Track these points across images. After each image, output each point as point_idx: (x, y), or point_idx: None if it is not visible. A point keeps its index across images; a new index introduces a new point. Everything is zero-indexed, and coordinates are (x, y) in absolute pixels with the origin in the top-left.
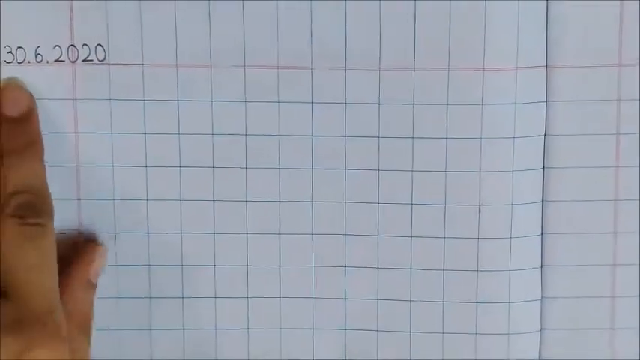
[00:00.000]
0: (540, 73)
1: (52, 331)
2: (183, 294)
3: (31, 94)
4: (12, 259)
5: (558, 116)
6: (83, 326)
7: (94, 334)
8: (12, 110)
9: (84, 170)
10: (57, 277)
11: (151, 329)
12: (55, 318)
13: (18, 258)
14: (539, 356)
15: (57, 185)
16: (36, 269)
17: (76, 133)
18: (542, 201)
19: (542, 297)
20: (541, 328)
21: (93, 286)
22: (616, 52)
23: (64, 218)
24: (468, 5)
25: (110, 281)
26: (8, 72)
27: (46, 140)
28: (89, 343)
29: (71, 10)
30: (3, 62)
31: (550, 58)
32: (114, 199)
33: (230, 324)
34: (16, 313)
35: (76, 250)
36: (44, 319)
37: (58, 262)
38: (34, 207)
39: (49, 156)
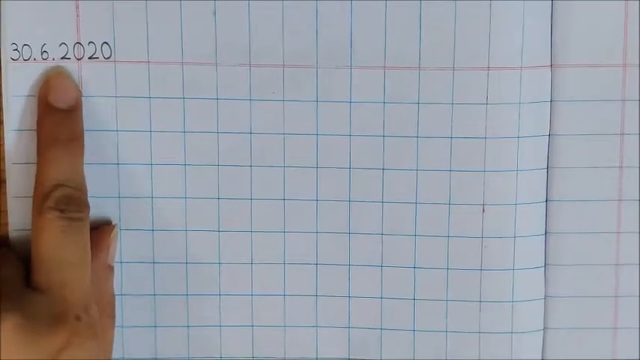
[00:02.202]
0: (545, 73)
1: (87, 327)
2: (187, 291)
3: (78, 87)
4: (53, 253)
5: (563, 116)
6: (108, 310)
7: None
8: (60, 102)
9: (90, 167)
10: (89, 275)
11: (155, 327)
12: (90, 314)
13: (60, 252)
14: (543, 355)
15: None
16: (74, 266)
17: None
18: (546, 200)
19: (545, 296)
20: (544, 328)
21: (112, 270)
22: (620, 52)
23: None
24: (473, 5)
25: (115, 279)
26: (14, 70)
27: None
28: (114, 326)
29: (77, 7)
30: (9, 60)
31: (555, 58)
32: (119, 197)
33: (234, 322)
34: (53, 308)
35: (92, 237)
36: (80, 315)
37: None
38: (75, 200)
39: None
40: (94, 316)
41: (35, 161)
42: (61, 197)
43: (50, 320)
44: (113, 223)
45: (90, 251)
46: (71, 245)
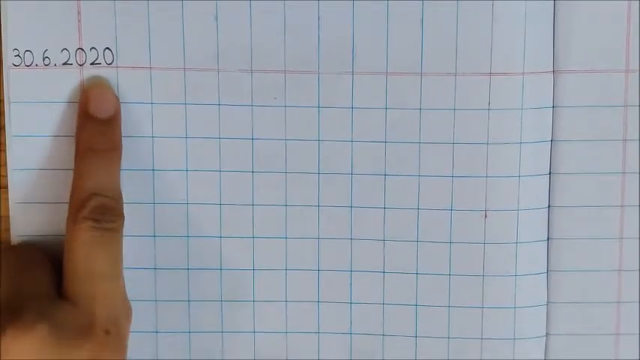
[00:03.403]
0: (547, 78)
1: (116, 342)
2: (189, 297)
3: (117, 98)
4: (86, 264)
5: (565, 122)
6: (126, 313)
7: None
8: (100, 112)
9: None
10: (124, 285)
11: (157, 332)
12: (119, 328)
13: (92, 264)
14: None
15: (63, 189)
16: (106, 277)
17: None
18: (549, 206)
19: (547, 302)
20: (547, 334)
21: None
22: (623, 58)
23: None
24: (475, 11)
25: None
26: (16, 75)
27: (54, 143)
28: (129, 328)
29: (79, 13)
30: (11, 65)
31: (557, 64)
32: None
33: (236, 327)
34: (81, 320)
35: None
36: (109, 329)
37: None
38: (110, 210)
39: (56, 160)
40: (124, 330)
41: (37, 167)
42: (97, 206)
43: (78, 333)
44: None
45: (122, 263)
46: (103, 256)
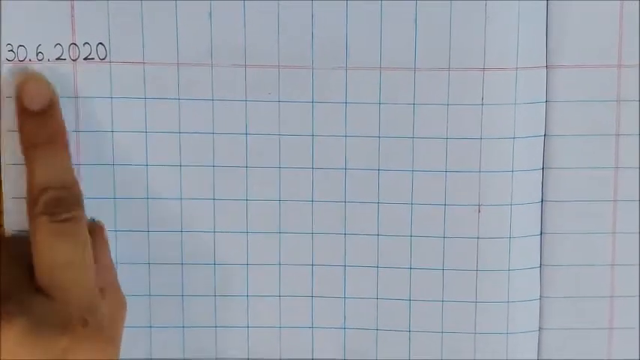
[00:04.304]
0: (540, 73)
1: (94, 330)
2: (183, 292)
3: (51, 87)
4: (47, 258)
5: (558, 117)
6: (121, 306)
7: None
8: (33, 104)
9: (85, 168)
10: (94, 271)
11: (150, 327)
12: (97, 316)
13: (52, 256)
14: (538, 356)
15: None
16: (73, 266)
17: (77, 131)
18: (542, 201)
19: (541, 297)
20: (540, 328)
21: (113, 266)
22: (616, 53)
23: None
24: (469, 6)
25: None
26: (9, 70)
27: None
28: (123, 320)
29: (72, 8)
30: (4, 60)
31: (550, 59)
32: (115, 197)
33: (230, 322)
34: (58, 312)
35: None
36: (86, 318)
37: None
38: (63, 201)
39: None
40: (102, 317)
41: None
42: (49, 201)
43: (56, 324)
44: (97, 221)
45: (90, 249)
46: (66, 247)
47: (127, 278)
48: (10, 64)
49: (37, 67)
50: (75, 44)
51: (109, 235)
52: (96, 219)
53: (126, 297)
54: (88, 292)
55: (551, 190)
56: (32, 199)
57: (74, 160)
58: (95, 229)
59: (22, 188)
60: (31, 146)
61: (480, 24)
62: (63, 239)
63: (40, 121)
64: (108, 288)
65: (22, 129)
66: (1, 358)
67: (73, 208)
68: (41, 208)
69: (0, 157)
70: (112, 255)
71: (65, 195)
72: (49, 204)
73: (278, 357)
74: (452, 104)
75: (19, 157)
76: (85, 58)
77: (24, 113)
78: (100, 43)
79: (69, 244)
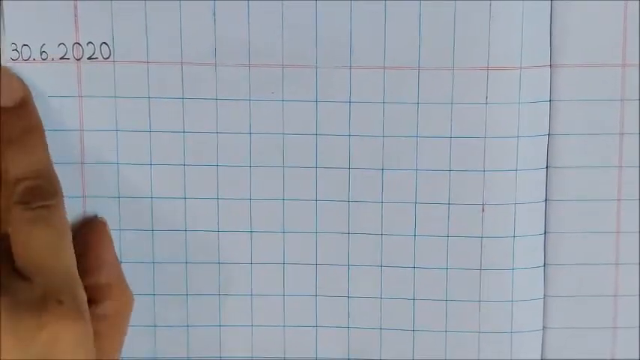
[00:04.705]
0: (544, 72)
1: (70, 309)
2: (187, 291)
3: (22, 82)
4: (23, 244)
5: (562, 116)
6: (128, 302)
7: None
8: (5, 100)
9: (89, 168)
10: (73, 256)
11: (155, 326)
12: (74, 296)
13: (28, 241)
14: (542, 355)
15: (61, 182)
16: (47, 248)
17: (81, 130)
18: (546, 200)
19: (544, 296)
20: (544, 327)
21: (118, 262)
22: (620, 52)
23: (68, 215)
24: (473, 5)
25: None
26: (13, 69)
27: (51, 138)
28: (129, 313)
29: (76, 7)
30: (9, 60)
31: (554, 58)
32: (119, 197)
33: (234, 321)
34: (34, 292)
35: (92, 233)
36: (60, 297)
37: (84, 247)
38: (39, 191)
39: (54, 154)
40: (80, 301)
41: None
42: (24, 190)
43: (32, 305)
44: (99, 217)
45: (69, 235)
46: (40, 231)
47: (131, 277)
48: (14, 64)
49: (40, 66)
50: (78, 44)
51: (113, 234)
52: (98, 216)
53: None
54: (68, 277)
55: (555, 189)
56: (7, 193)
57: (78, 159)
58: (97, 226)
59: None
60: (4, 141)
61: (484, 23)
62: (38, 225)
63: (14, 117)
64: (114, 284)
65: None
66: None
67: (49, 197)
68: (17, 198)
69: None
70: (117, 254)
71: (40, 184)
72: (24, 193)
73: (282, 356)
74: (456, 103)
75: None
76: (89, 58)
77: None
78: (104, 43)
79: (43, 230)
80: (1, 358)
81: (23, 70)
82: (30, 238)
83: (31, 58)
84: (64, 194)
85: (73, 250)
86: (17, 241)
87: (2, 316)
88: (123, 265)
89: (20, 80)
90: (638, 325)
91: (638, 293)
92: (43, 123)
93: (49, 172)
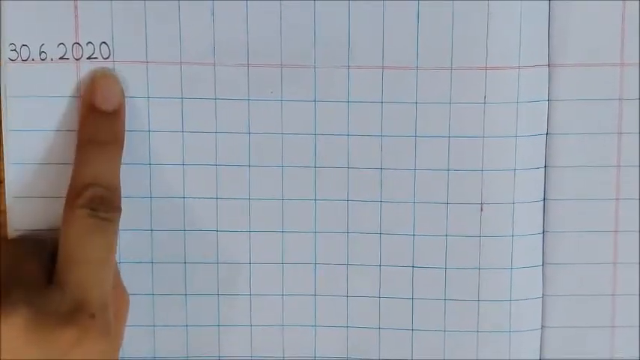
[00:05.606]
0: (542, 72)
1: (103, 326)
2: (186, 291)
3: (122, 89)
4: (77, 250)
5: (560, 115)
6: (123, 311)
7: None
8: (105, 104)
9: None
10: (111, 274)
11: (154, 326)
12: (105, 311)
13: (84, 250)
14: (541, 354)
15: (61, 183)
16: (99, 263)
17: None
18: (544, 199)
19: (543, 295)
20: (542, 326)
21: (116, 263)
22: (618, 51)
23: None
24: (471, 5)
25: None
26: (13, 70)
27: (50, 137)
28: (126, 317)
29: (75, 7)
30: (8, 60)
31: (552, 58)
32: None
33: (233, 321)
34: (67, 305)
35: None
36: (96, 313)
37: None
38: (107, 201)
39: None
40: (110, 318)
41: (34, 161)
42: (93, 196)
43: (61, 317)
44: None
45: (115, 254)
46: (96, 245)
47: (130, 277)
48: (13, 64)
49: (39, 66)
50: (78, 44)
51: None
52: None
53: (129, 296)
54: (103, 293)
55: (554, 189)
56: (76, 190)
57: None
58: None
59: (25, 187)
60: (89, 142)
61: (483, 23)
62: (97, 236)
63: (107, 121)
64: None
65: (84, 125)
66: (2, 348)
67: (113, 210)
68: (84, 201)
69: (3, 156)
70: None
71: (109, 196)
72: (93, 199)
73: (281, 355)
74: (454, 103)
75: (24, 156)
76: (89, 58)
77: (92, 110)
78: (104, 43)
79: (100, 242)
80: None
81: (23, 70)
82: (87, 248)
83: (30, 59)
84: (62, 194)
85: (115, 269)
86: (68, 246)
87: (23, 328)
88: (121, 265)
89: (121, 88)
90: (636, 323)
91: (636, 292)
92: (42, 123)
93: (118, 188)
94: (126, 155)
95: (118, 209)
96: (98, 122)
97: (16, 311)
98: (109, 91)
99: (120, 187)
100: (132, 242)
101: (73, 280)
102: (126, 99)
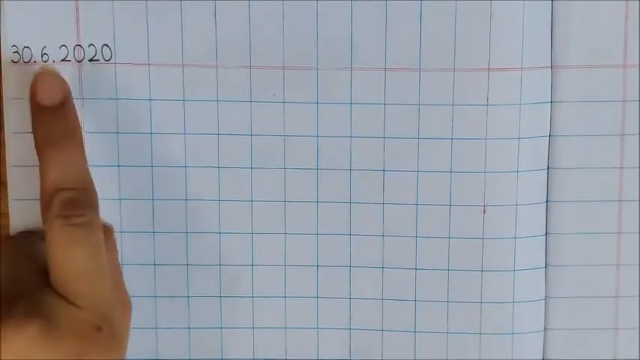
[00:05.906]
0: (545, 74)
1: (108, 337)
2: (188, 293)
3: (65, 82)
4: (62, 262)
5: (563, 117)
6: (126, 308)
7: None
8: (47, 99)
9: (90, 169)
10: (108, 278)
11: (157, 328)
12: (111, 323)
13: (68, 263)
14: (543, 356)
15: None
16: (88, 273)
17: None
18: (547, 201)
19: (546, 297)
20: (545, 328)
21: (119, 268)
22: (620, 53)
23: None
24: (474, 6)
25: None
26: (15, 72)
27: None
28: (129, 322)
29: (77, 9)
30: (10, 62)
31: (555, 59)
32: (120, 199)
33: (235, 323)
34: (73, 318)
35: None
36: (101, 325)
37: None
38: (78, 202)
39: None
40: (116, 324)
41: (36, 164)
42: (63, 201)
43: (71, 329)
44: (107, 224)
45: (104, 255)
46: (79, 257)
47: (132, 279)
48: (15, 66)
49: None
50: (80, 46)
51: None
52: (104, 221)
53: (132, 298)
54: (103, 300)
55: (556, 191)
56: (46, 200)
57: None
58: (105, 232)
59: (26, 190)
60: (44, 144)
61: (485, 24)
62: (77, 247)
63: (55, 117)
64: (114, 289)
65: (36, 126)
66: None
67: (88, 210)
68: (56, 211)
69: (5, 158)
70: (118, 255)
71: (79, 196)
72: (63, 206)
73: (284, 357)
74: (457, 105)
75: (26, 158)
76: (90, 60)
77: (38, 109)
78: (105, 45)
79: (84, 251)
80: None
81: (25, 72)
82: (68, 261)
83: (33, 60)
84: None
85: (109, 269)
86: (55, 261)
87: (37, 339)
88: (124, 267)
89: (62, 80)
90: (639, 325)
91: (639, 294)
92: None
93: (87, 181)
94: (128, 157)
95: (92, 207)
96: (47, 120)
97: (32, 322)
98: (50, 85)
99: (91, 182)
100: (134, 244)
101: (70, 293)
102: (128, 101)
